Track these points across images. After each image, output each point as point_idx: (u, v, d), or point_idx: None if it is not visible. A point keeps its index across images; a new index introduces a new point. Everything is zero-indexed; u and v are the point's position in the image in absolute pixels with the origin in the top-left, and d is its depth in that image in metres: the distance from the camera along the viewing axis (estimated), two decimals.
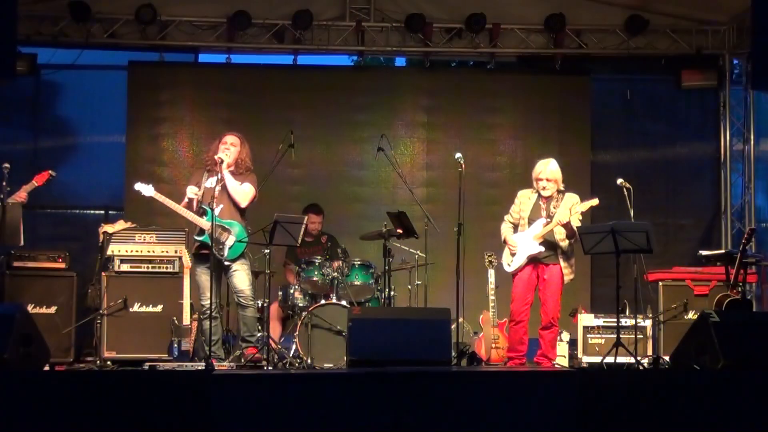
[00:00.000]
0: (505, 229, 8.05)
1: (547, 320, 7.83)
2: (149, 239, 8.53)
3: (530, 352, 8.06)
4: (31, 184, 8.31)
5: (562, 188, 7.93)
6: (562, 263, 7.83)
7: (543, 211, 7.88)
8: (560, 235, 7.80)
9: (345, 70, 12.37)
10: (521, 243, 7.87)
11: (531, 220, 7.89)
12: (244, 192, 7.99)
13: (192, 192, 7.96)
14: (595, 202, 7.82)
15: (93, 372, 7.78)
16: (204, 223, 7.85)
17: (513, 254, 7.94)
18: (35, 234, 10.13)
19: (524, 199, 7.99)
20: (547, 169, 7.88)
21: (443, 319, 7.41)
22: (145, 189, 8.01)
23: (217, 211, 7.79)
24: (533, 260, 7.86)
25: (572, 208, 7.74)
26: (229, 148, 8.04)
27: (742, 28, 10.68)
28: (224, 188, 7.95)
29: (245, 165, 8.10)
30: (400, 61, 14.54)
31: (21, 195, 8.19)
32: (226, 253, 7.90)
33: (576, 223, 7.78)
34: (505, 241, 8.03)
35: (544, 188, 7.87)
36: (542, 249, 7.80)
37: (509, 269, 7.99)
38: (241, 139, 8.16)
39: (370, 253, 9.27)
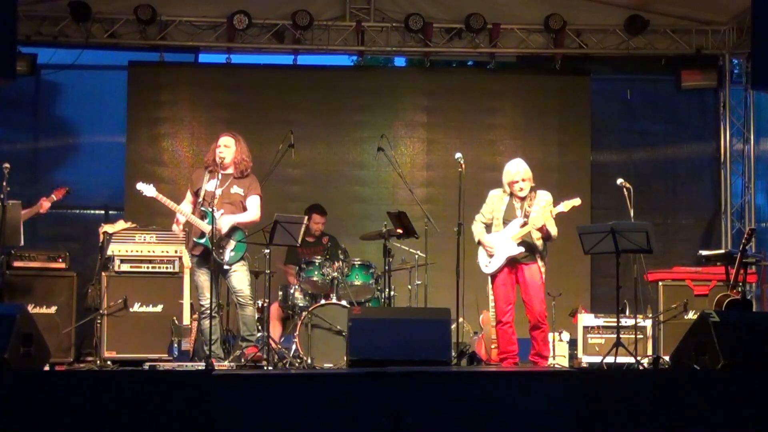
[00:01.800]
0: (479, 230, 7.94)
1: (534, 320, 7.74)
2: (149, 239, 8.53)
3: (524, 352, 8.03)
4: (51, 198, 8.61)
5: (533, 184, 7.87)
6: (539, 262, 7.79)
7: (518, 211, 7.80)
8: (537, 234, 7.74)
9: (345, 70, 12.38)
10: (499, 244, 7.79)
11: (506, 221, 7.81)
12: (252, 221, 7.94)
13: (181, 216, 7.96)
14: (577, 202, 7.72)
15: (93, 372, 7.78)
16: (205, 226, 7.80)
17: (490, 255, 7.85)
18: (35, 234, 10.13)
19: (496, 200, 7.90)
20: (522, 170, 7.79)
21: (443, 319, 7.40)
22: (147, 189, 7.96)
23: (217, 215, 7.76)
24: (511, 261, 7.79)
25: (552, 211, 7.68)
26: (223, 151, 7.98)
27: (742, 28, 10.68)
28: (225, 193, 7.92)
29: (245, 164, 8.03)
30: (400, 61, 14.56)
31: (44, 206, 8.58)
32: (227, 257, 7.87)
33: (551, 225, 7.74)
34: (479, 242, 7.95)
35: (521, 189, 7.77)
36: (522, 249, 7.72)
37: (487, 270, 7.91)
38: (236, 138, 8.07)
39: (370, 253, 9.28)
